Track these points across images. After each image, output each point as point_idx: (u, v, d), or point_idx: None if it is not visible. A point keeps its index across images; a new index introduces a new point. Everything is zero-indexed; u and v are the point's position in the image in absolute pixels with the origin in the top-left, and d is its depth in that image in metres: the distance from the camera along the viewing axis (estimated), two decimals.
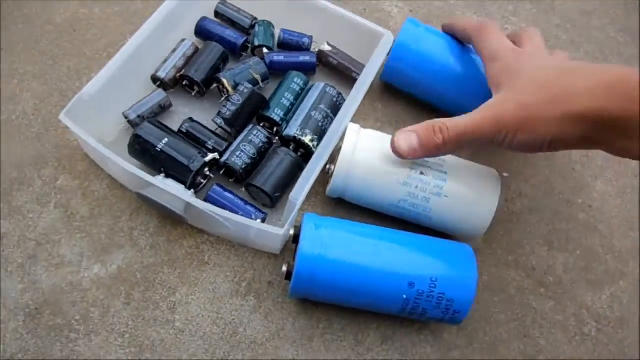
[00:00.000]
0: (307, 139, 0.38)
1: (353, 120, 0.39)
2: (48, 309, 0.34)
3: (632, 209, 0.44)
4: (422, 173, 0.35)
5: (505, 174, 0.44)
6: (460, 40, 0.41)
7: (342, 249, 0.32)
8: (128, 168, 0.34)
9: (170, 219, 0.38)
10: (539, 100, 0.29)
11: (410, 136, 0.33)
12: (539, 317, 0.38)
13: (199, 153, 0.36)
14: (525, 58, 0.32)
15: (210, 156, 0.36)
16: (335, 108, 0.40)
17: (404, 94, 0.46)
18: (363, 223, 0.36)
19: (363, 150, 0.36)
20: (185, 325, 0.35)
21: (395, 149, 0.33)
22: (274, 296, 0.36)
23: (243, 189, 0.39)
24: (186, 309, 0.35)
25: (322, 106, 0.40)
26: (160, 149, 0.36)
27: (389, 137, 0.35)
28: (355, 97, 0.39)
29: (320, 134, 0.39)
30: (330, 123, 0.38)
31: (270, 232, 0.33)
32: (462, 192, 0.36)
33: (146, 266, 0.36)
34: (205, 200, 0.36)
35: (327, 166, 0.38)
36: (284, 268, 0.33)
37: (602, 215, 0.43)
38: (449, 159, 0.37)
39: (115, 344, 0.33)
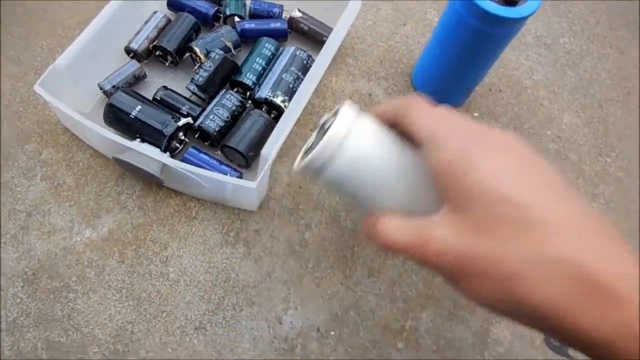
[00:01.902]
0: (278, 100, 0.40)
1: (324, 77, 0.40)
2: (44, 273, 0.36)
3: (599, 137, 0.46)
4: None
5: (476, 114, 0.46)
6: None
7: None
8: (104, 134, 0.35)
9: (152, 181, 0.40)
10: (485, 255, 0.21)
11: (363, 223, 0.27)
12: None
13: (173, 118, 0.38)
14: (478, 159, 0.22)
15: (183, 120, 0.38)
16: (306, 70, 0.41)
17: (375, 48, 0.47)
18: None
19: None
20: (179, 276, 0.37)
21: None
22: (262, 242, 0.38)
23: (219, 152, 0.41)
24: (179, 261, 0.37)
25: (292, 68, 0.41)
26: (135, 115, 0.37)
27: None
28: (324, 57, 0.40)
29: (291, 94, 0.40)
30: (301, 84, 0.40)
31: (244, 186, 0.35)
32: None
33: (136, 226, 0.38)
34: (182, 161, 0.38)
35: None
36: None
37: (570, 145, 0.45)
38: None
39: (114, 299, 0.35)
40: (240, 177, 0.39)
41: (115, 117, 0.38)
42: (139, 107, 0.38)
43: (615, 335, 0.19)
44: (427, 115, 0.24)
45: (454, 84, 0.43)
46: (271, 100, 0.40)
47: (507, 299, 0.20)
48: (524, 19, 0.35)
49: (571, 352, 0.37)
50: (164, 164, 0.35)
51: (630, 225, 0.42)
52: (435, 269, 0.23)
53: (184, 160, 0.38)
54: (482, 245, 0.21)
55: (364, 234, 0.28)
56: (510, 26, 0.36)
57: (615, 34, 0.53)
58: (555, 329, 0.20)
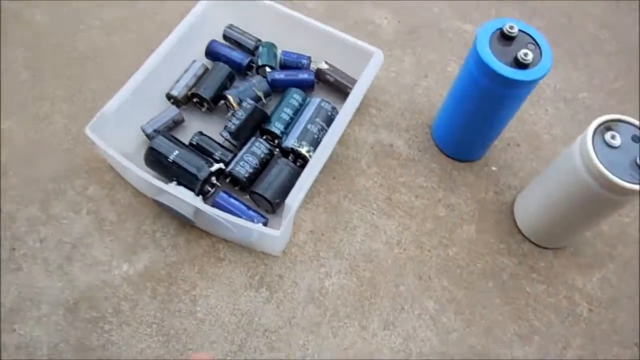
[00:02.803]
0: (303, 150, 0.43)
1: (348, 127, 0.42)
2: (84, 303, 0.39)
3: None
4: None
5: (494, 168, 0.47)
6: None
7: None
8: (143, 176, 0.38)
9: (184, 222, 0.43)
10: None
11: None
12: (532, 300, 0.41)
13: (206, 163, 0.41)
14: None
15: (216, 166, 0.41)
16: (330, 121, 0.44)
17: (397, 99, 0.50)
18: None
19: None
20: (206, 316, 0.40)
21: None
22: (285, 287, 0.41)
23: (247, 197, 0.43)
24: (206, 301, 0.40)
25: (317, 119, 0.44)
26: (172, 159, 0.41)
27: None
28: (347, 110, 0.43)
29: (316, 145, 0.43)
30: (325, 135, 0.42)
31: (268, 234, 0.37)
32: None
33: (169, 264, 0.41)
34: (213, 205, 0.41)
35: None
36: None
37: None
38: None
39: (145, 334, 0.38)
40: (266, 222, 0.42)
41: (155, 160, 0.42)
42: (177, 151, 0.41)
43: None
44: None
45: (471, 139, 0.45)
46: (297, 150, 0.43)
47: None
48: (536, 81, 0.36)
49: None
50: (197, 208, 0.38)
51: None
52: None
53: (215, 203, 0.41)
54: None
55: None
56: (522, 88, 0.37)
57: (635, 89, 0.54)
58: None
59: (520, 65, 0.35)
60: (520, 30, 0.35)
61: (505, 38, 0.36)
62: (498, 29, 0.37)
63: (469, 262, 0.43)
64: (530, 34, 0.36)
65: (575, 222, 0.39)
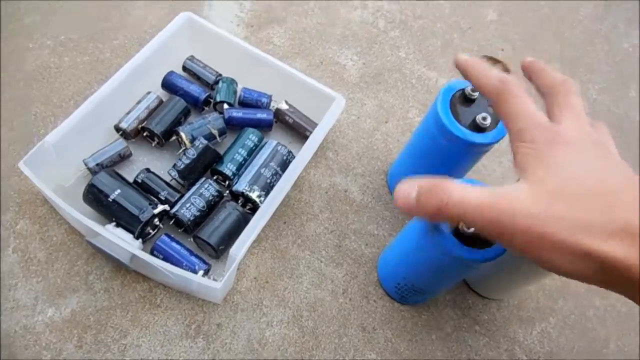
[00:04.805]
0: (254, 195, 0.41)
1: (303, 170, 0.41)
2: (2, 352, 0.36)
3: None
4: None
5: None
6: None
7: None
8: (77, 216, 0.36)
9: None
10: (559, 216, 0.24)
11: (411, 188, 0.27)
12: (473, 353, 0.42)
13: (150, 204, 0.39)
14: (561, 147, 0.26)
15: (160, 208, 0.39)
16: (285, 165, 0.43)
17: (355, 143, 0.50)
18: None
19: None
20: None
21: (395, 196, 0.28)
22: (222, 337, 0.39)
23: (192, 239, 0.42)
24: (137, 351, 0.38)
25: (272, 164, 0.43)
26: (113, 199, 0.39)
27: None
28: (303, 157, 0.42)
29: (268, 190, 0.42)
30: (279, 180, 0.41)
31: (209, 285, 0.36)
32: None
33: (99, 309, 0.39)
34: (153, 249, 0.39)
35: None
36: None
37: None
38: None
39: None
40: (209, 269, 0.40)
41: (95, 198, 0.40)
42: (119, 190, 0.39)
43: None
44: (518, 110, 0.27)
45: None
46: (247, 194, 0.41)
47: (577, 253, 0.24)
48: (493, 144, 0.37)
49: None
50: (134, 254, 0.36)
51: None
52: (506, 234, 0.25)
53: (155, 247, 0.39)
54: (557, 211, 0.24)
55: (422, 196, 0.27)
56: (480, 148, 0.37)
57: None
58: (620, 281, 0.24)
59: (478, 128, 0.36)
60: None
61: (466, 100, 0.37)
62: (460, 90, 0.37)
63: (415, 314, 0.43)
64: None
65: (515, 274, 0.40)
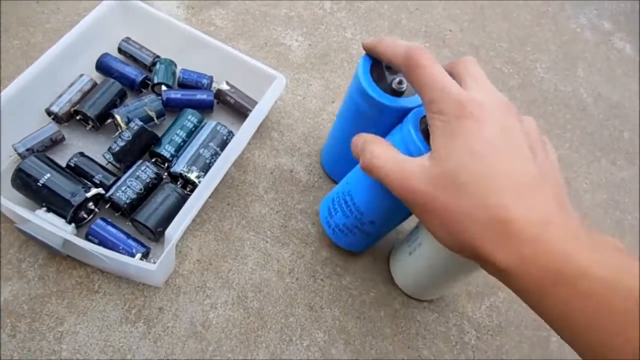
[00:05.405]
0: (192, 176, 0.41)
1: (247, 151, 0.41)
2: None
3: None
4: None
5: None
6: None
7: None
8: (4, 203, 0.35)
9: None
10: (447, 203, 0.25)
11: (357, 140, 0.33)
12: (422, 329, 0.42)
13: (83, 188, 0.38)
14: (467, 121, 0.26)
15: (93, 191, 0.38)
16: (225, 145, 0.43)
17: (301, 124, 0.49)
18: None
19: None
20: (73, 354, 0.36)
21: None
22: (164, 321, 0.38)
23: (129, 223, 0.41)
24: (73, 338, 0.37)
25: (211, 144, 0.42)
26: (43, 183, 0.37)
27: None
28: (242, 135, 0.42)
29: (207, 170, 0.41)
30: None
31: (144, 267, 0.35)
32: None
33: (33, 297, 0.38)
34: (87, 234, 0.38)
35: None
36: None
37: None
38: None
39: None
40: (148, 252, 0.39)
41: (23, 183, 0.38)
42: (48, 174, 0.38)
43: (518, 267, 0.24)
44: (429, 79, 0.28)
45: (350, 164, 0.43)
46: (186, 175, 0.41)
47: (461, 243, 0.26)
48: (409, 109, 0.35)
49: None
50: (66, 239, 0.35)
51: None
52: (407, 202, 0.28)
53: (89, 232, 0.38)
54: (446, 192, 0.25)
55: (359, 150, 0.32)
56: (400, 112, 0.36)
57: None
58: (484, 265, 0.26)
59: (396, 93, 0.35)
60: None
61: (387, 67, 0.36)
62: None
63: (362, 292, 0.43)
64: None
65: (444, 275, 0.40)
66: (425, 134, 0.32)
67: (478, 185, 0.24)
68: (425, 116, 0.33)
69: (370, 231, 0.40)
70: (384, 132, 0.35)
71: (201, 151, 0.42)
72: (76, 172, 0.40)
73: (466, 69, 0.29)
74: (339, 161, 0.45)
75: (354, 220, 0.39)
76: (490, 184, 0.24)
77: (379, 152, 0.30)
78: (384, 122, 0.38)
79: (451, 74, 0.30)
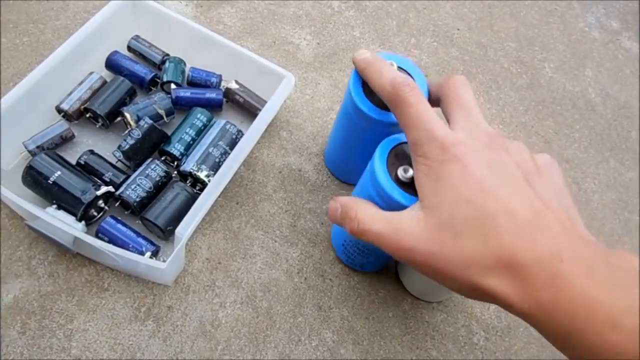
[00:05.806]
0: (202, 175, 0.41)
1: (256, 150, 0.40)
2: None
3: None
4: None
5: None
6: None
7: None
8: (15, 200, 0.35)
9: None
10: (449, 251, 0.24)
11: (335, 206, 0.31)
12: (430, 330, 0.42)
13: (93, 186, 0.38)
14: (452, 164, 0.25)
15: (103, 189, 0.38)
16: (234, 144, 0.43)
17: (310, 123, 0.49)
18: None
19: None
20: (82, 352, 0.36)
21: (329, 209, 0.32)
22: (174, 319, 0.38)
23: (139, 221, 0.41)
24: (83, 336, 0.37)
25: (221, 143, 0.42)
26: (53, 181, 0.37)
27: None
28: (252, 134, 0.42)
29: (216, 169, 0.41)
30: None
31: (154, 266, 0.35)
32: None
33: (43, 295, 0.38)
34: (97, 231, 0.38)
35: None
36: None
37: None
38: None
39: None
40: (157, 250, 0.39)
41: (34, 181, 0.38)
42: (59, 172, 0.38)
43: (539, 313, 0.22)
44: (414, 120, 0.27)
45: (351, 166, 0.43)
46: (195, 174, 0.41)
47: (470, 287, 0.24)
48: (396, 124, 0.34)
49: None
50: (76, 236, 0.35)
51: None
52: (409, 262, 0.26)
53: (99, 230, 0.38)
54: (446, 245, 0.24)
55: (340, 217, 0.30)
56: (390, 128, 0.35)
57: (541, 124, 0.57)
58: (505, 308, 0.24)
59: (386, 107, 0.33)
60: (399, 68, 0.34)
61: None
62: None
63: (371, 292, 0.43)
64: (410, 72, 0.34)
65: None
66: (395, 175, 0.30)
67: (476, 230, 0.23)
68: (395, 147, 0.32)
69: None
70: (375, 141, 0.34)
71: (211, 150, 0.42)
72: (86, 170, 0.40)
73: (455, 94, 0.28)
74: (339, 163, 0.46)
75: (375, 257, 0.40)
76: (488, 226, 0.23)
77: (363, 215, 0.28)
78: (376, 131, 0.37)
79: (438, 98, 0.29)
